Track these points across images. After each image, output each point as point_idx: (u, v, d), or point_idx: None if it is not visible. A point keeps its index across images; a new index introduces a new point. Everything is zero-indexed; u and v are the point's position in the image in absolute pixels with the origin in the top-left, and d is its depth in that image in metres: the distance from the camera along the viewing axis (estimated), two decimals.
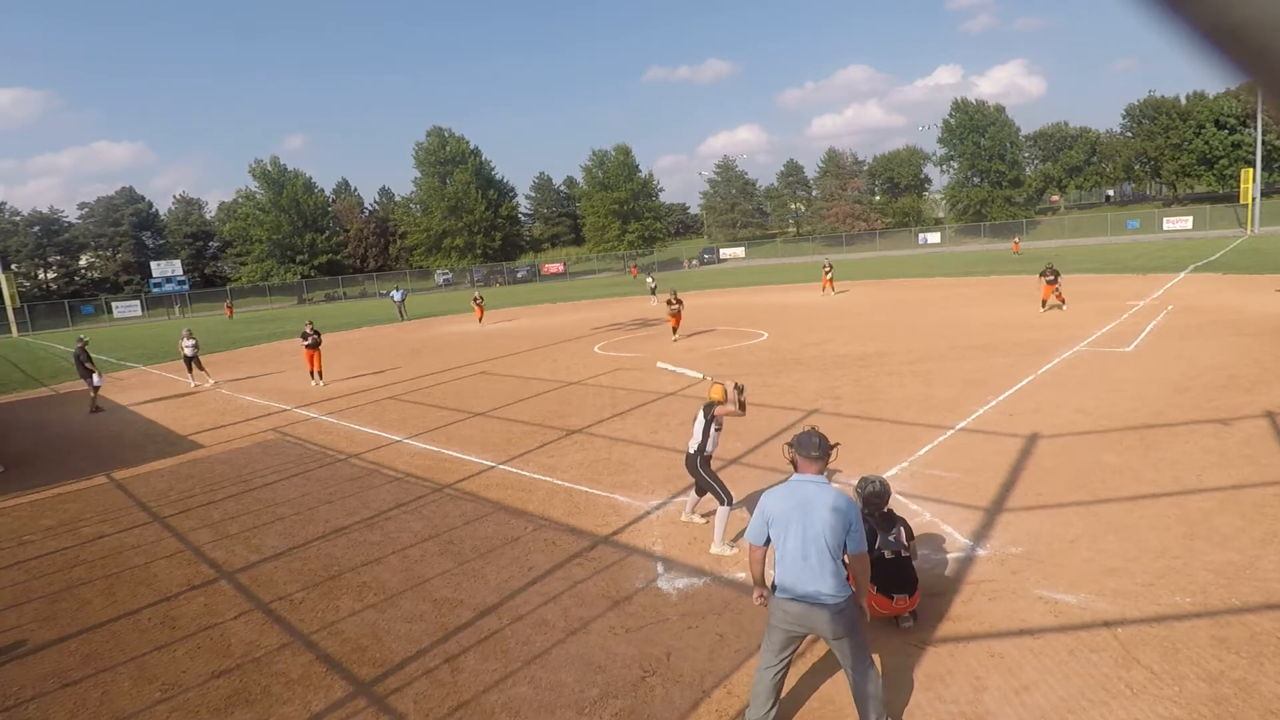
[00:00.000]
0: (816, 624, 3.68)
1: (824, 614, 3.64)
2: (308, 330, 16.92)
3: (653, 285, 33.83)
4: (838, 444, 4.23)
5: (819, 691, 4.25)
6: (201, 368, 18.41)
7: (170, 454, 11.56)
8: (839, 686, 4.26)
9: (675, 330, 19.93)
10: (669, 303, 19.84)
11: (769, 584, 3.89)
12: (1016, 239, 52.68)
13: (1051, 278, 19.10)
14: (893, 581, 4.77)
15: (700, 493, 6.73)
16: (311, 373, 17.01)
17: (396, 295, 37.41)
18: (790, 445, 4.01)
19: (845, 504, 3.74)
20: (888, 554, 4.85)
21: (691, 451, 6.43)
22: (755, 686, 3.90)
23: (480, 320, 29.00)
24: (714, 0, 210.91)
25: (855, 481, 5.29)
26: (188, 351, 18.11)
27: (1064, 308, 18.98)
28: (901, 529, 4.97)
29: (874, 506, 5.03)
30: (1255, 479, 6.72)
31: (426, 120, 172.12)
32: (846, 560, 3.83)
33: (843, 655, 3.73)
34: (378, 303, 55.35)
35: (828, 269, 30.60)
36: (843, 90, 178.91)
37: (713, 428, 6.41)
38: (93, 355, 16.65)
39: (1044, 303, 19.19)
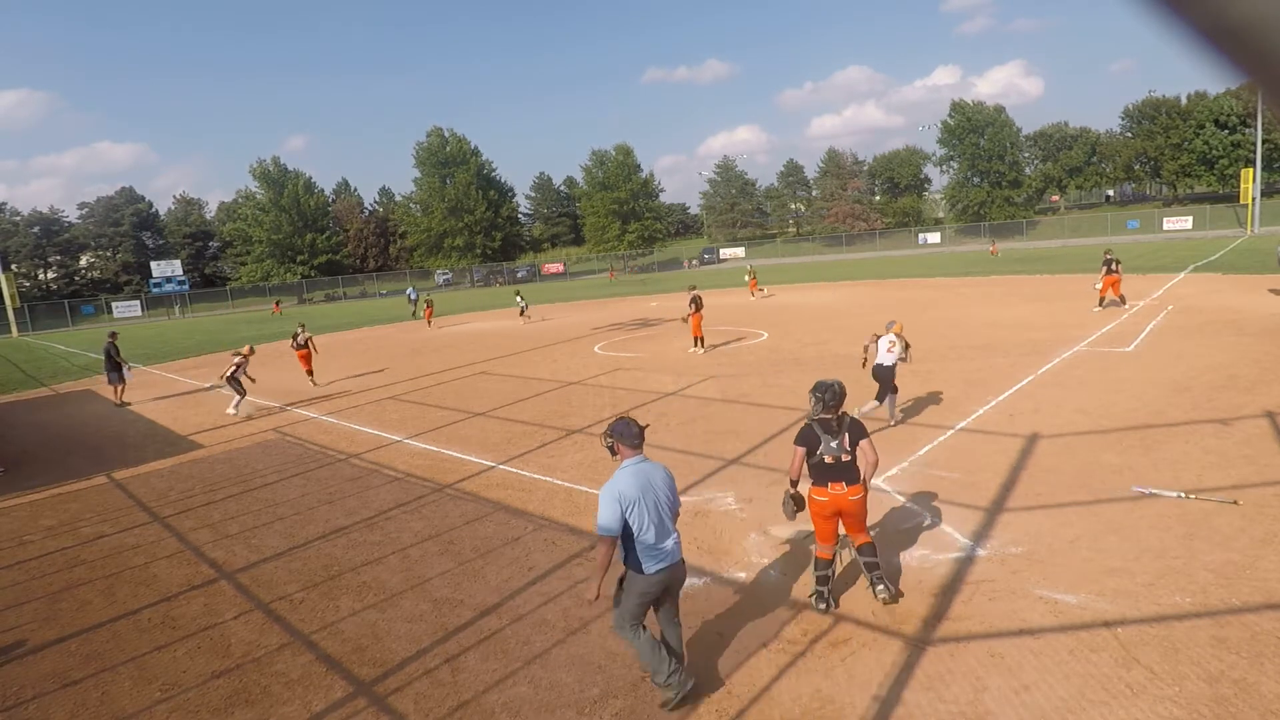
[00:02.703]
0: (673, 582, 4.31)
1: (679, 570, 4.34)
2: (300, 334, 17.31)
3: (523, 304, 29.74)
4: (648, 424, 4.73)
5: (819, 691, 4.25)
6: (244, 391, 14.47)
7: (170, 454, 11.56)
8: (839, 686, 4.27)
9: (699, 341, 17.23)
10: (693, 303, 17.05)
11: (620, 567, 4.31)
12: (994, 242, 52.85)
13: (1114, 267, 17.67)
14: (831, 474, 5.10)
15: (880, 398, 9.42)
16: (309, 372, 17.24)
17: (411, 294, 38.29)
18: (609, 434, 4.39)
19: (669, 474, 4.44)
20: (828, 459, 5.12)
21: (889, 365, 9.30)
22: (651, 652, 4.21)
23: (429, 323, 30.45)
24: (712, 1, 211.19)
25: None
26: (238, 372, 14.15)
27: (1123, 304, 17.71)
28: (847, 435, 5.12)
29: (829, 408, 5.18)
30: (1255, 479, 6.72)
31: (426, 120, 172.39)
32: None
33: (671, 608, 4.41)
34: (378, 302, 55.40)
35: (751, 274, 32.73)
36: (841, 91, 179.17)
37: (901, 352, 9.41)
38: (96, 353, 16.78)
39: (1102, 300, 17.97)
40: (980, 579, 5.37)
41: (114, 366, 16.20)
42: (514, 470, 9.06)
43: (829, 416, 5.20)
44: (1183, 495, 6.39)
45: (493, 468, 9.27)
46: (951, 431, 9.06)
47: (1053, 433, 8.68)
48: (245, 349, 14.63)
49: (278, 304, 55.61)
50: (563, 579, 5.96)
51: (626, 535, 4.14)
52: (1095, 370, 11.80)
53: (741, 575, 5.77)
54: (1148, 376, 10.98)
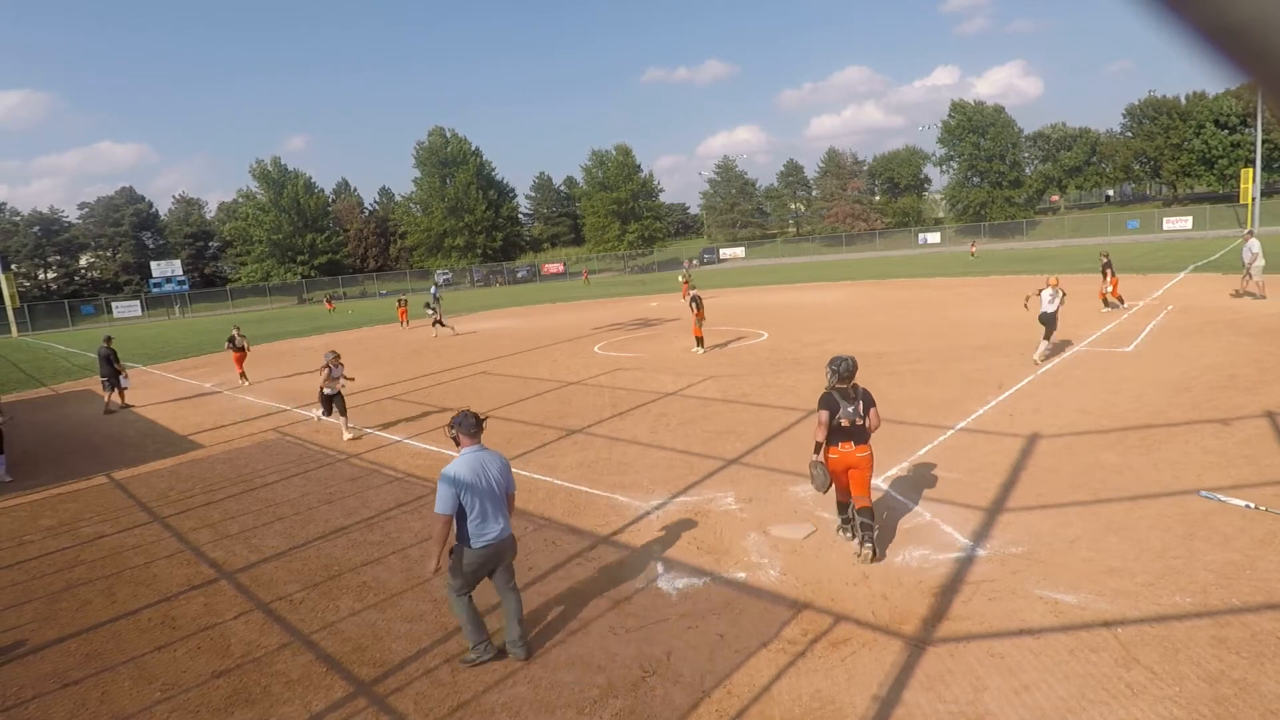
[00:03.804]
0: (504, 554, 4.83)
1: (508, 544, 4.85)
2: (235, 336, 18.22)
3: (435, 311, 26.15)
4: (488, 416, 5.28)
5: (819, 691, 4.25)
6: (344, 411, 11.65)
7: (170, 454, 11.56)
8: (839, 686, 4.27)
9: (699, 341, 17.06)
10: (696, 301, 16.97)
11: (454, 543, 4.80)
12: (973, 242, 52.92)
13: (1110, 268, 17.78)
14: (844, 435, 5.85)
15: (1048, 337, 12.58)
16: (241, 375, 18.09)
17: (434, 292, 37.56)
18: (451, 426, 4.90)
19: (504, 460, 4.98)
20: (844, 422, 5.83)
21: (1051, 311, 12.47)
22: (467, 620, 4.77)
23: (405, 324, 30.78)
24: (712, 2, 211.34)
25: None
26: (329, 389, 11.48)
27: (1121, 305, 17.79)
28: (861, 402, 5.87)
29: (844, 379, 5.89)
30: (1255, 479, 6.72)
31: (426, 120, 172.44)
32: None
33: (505, 576, 4.90)
34: (378, 302, 55.35)
35: (685, 277, 33.23)
36: (840, 91, 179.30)
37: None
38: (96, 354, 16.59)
39: (1105, 301, 17.90)
40: (980, 579, 5.37)
41: (111, 372, 15.54)
42: (514, 470, 9.05)
43: (845, 386, 5.89)
44: (1251, 506, 6.16)
45: None
46: (951, 431, 9.06)
47: (1053, 433, 8.68)
48: (331, 356, 11.63)
49: (330, 300, 52.18)
50: (563, 579, 5.96)
51: (460, 514, 4.66)
52: (1095, 370, 11.80)
53: (741, 575, 5.77)
54: (1148, 376, 10.98)
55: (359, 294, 71.43)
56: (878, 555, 5.75)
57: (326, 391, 11.56)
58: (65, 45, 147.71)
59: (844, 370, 5.88)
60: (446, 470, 4.71)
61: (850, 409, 5.82)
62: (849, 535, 6.03)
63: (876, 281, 35.23)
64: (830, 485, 5.93)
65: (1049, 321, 12.57)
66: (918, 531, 6.28)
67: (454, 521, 4.68)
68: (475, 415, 4.92)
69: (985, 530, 6.19)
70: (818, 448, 5.90)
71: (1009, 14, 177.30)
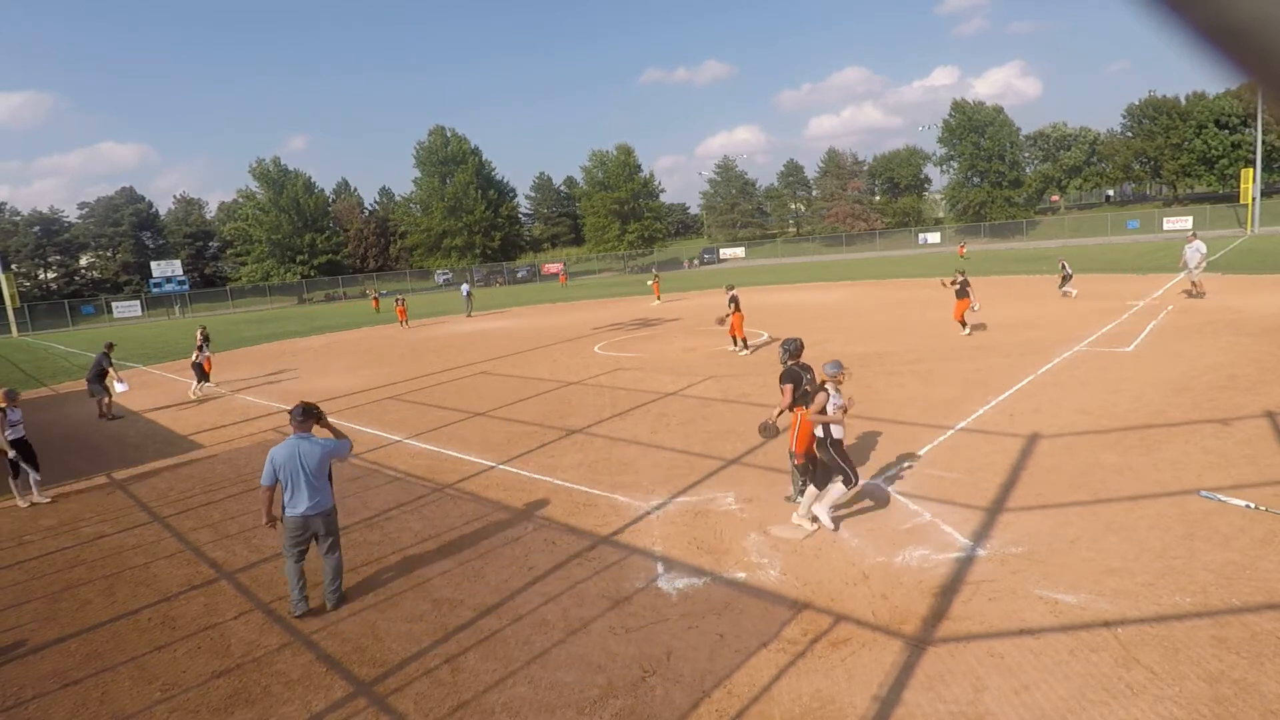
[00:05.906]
0: (313, 525, 5.60)
1: (317, 518, 5.62)
2: (202, 339, 16.93)
3: (203, 344, 17.88)
4: (318, 408, 5.97)
5: (819, 691, 4.25)
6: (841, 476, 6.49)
7: (170, 454, 11.56)
8: (839, 686, 4.27)
9: (744, 342, 16.69)
10: (732, 303, 16.63)
11: (281, 511, 5.63)
12: (963, 243, 53.13)
13: (960, 286, 15.71)
14: (808, 400, 6.74)
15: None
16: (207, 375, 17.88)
17: (464, 289, 36.71)
18: (289, 415, 5.82)
19: (324, 445, 5.79)
20: (808, 386, 6.83)
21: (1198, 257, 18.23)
22: (290, 576, 5.61)
23: (404, 324, 30.90)
24: (711, 2, 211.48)
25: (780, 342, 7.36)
26: (838, 431, 6.23)
27: (967, 332, 15.92)
28: (810, 374, 6.99)
29: (795, 356, 7.08)
30: (1255, 479, 6.72)
31: (426, 120, 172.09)
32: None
33: (327, 543, 5.71)
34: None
35: (656, 278, 34.79)
36: (839, 91, 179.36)
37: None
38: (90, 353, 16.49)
39: (963, 324, 16.02)
40: (980, 579, 5.37)
41: (97, 377, 14.74)
42: (514, 470, 9.06)
43: (798, 361, 7.10)
44: (1251, 506, 6.14)
45: (493, 468, 9.26)
46: (951, 431, 9.06)
47: (1053, 433, 8.67)
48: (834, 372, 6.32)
49: (376, 298, 46.99)
50: (563, 579, 5.96)
51: (282, 488, 5.55)
52: (1095, 370, 11.80)
53: (741, 575, 5.77)
54: (1148, 376, 10.98)
55: (359, 294, 71.41)
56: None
57: (837, 435, 6.21)
58: (67, 46, 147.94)
59: (795, 349, 7.17)
60: (270, 451, 5.63)
61: (807, 377, 6.98)
62: (799, 498, 6.88)
63: (876, 281, 35.21)
64: (776, 436, 7.36)
65: (1191, 261, 18.24)
66: (918, 531, 6.28)
67: (282, 492, 5.56)
68: (303, 407, 5.79)
69: (985, 530, 6.19)
70: (780, 412, 6.97)
71: (1007, 15, 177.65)
